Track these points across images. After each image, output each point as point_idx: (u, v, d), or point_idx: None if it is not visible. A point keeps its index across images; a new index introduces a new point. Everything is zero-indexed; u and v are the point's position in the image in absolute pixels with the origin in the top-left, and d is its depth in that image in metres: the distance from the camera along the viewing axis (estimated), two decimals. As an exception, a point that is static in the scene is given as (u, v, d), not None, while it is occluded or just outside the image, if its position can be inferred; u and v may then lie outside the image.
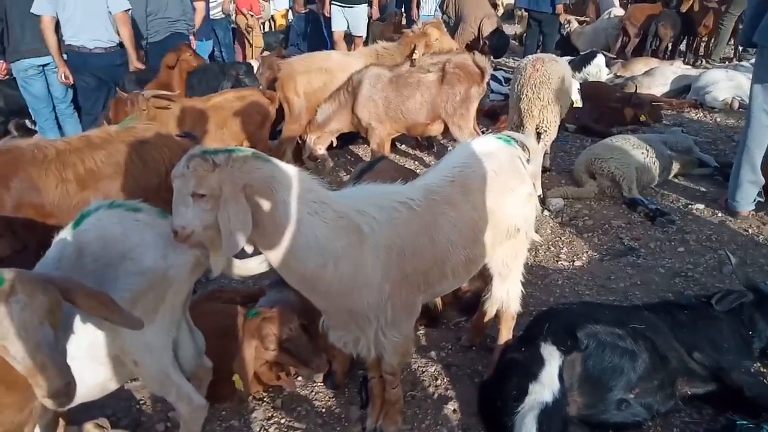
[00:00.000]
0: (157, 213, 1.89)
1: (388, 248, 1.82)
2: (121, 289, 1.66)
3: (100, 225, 1.78)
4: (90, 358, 1.64)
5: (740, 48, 9.10)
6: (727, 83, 6.67)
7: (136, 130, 2.98)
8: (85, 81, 5.09)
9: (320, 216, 1.72)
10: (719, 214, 4.10)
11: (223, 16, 7.87)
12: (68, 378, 1.43)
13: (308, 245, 1.71)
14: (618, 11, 9.98)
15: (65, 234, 1.79)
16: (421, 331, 2.93)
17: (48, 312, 1.43)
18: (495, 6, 13.88)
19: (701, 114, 6.59)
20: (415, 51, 4.78)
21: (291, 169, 1.74)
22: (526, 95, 4.14)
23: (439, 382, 2.59)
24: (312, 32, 8.55)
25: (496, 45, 7.23)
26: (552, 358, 2.17)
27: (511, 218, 2.17)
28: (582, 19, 10.59)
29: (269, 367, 2.45)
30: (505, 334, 2.53)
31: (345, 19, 7.22)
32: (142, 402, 2.53)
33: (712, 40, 8.99)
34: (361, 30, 7.40)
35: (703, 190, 4.56)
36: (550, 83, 4.11)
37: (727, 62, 8.67)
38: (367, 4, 7.42)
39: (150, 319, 1.72)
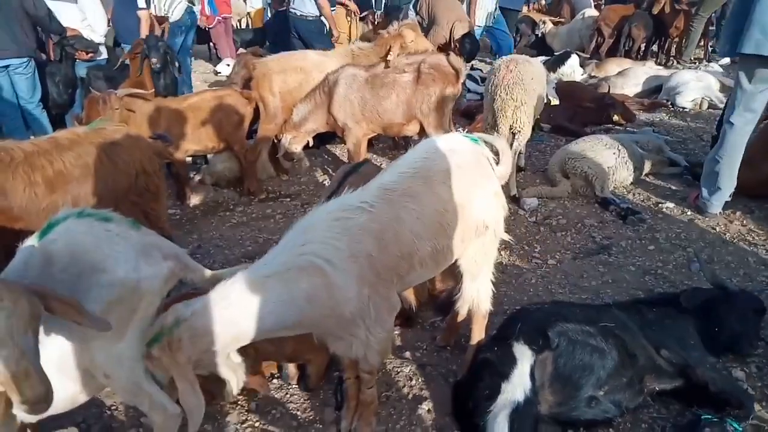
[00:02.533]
0: (129, 223, 1.86)
1: (354, 257, 1.84)
2: (91, 300, 1.63)
3: (69, 235, 1.74)
4: (59, 371, 1.61)
5: (709, 49, 9.31)
6: (696, 84, 6.83)
7: (105, 132, 2.94)
8: None
9: (265, 289, 1.78)
10: (688, 213, 4.19)
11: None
12: (48, 384, 1.43)
13: (273, 311, 1.78)
14: (592, 12, 10.14)
15: (32, 242, 1.74)
16: (397, 332, 2.94)
17: (31, 319, 1.42)
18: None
19: (672, 114, 6.73)
20: (390, 52, 4.79)
21: (206, 299, 1.78)
22: (500, 96, 4.18)
23: (413, 382, 2.60)
24: (286, 31, 8.50)
25: (467, 48, 7.29)
26: (524, 357, 2.20)
27: (478, 214, 2.18)
28: (557, 19, 10.72)
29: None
30: (478, 333, 2.55)
31: None
32: (113, 408, 2.49)
33: (683, 42, 9.18)
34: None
35: (673, 188, 4.66)
36: (523, 84, 4.15)
37: (697, 63, 8.87)
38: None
39: (121, 331, 1.70)
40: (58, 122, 5.57)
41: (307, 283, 1.79)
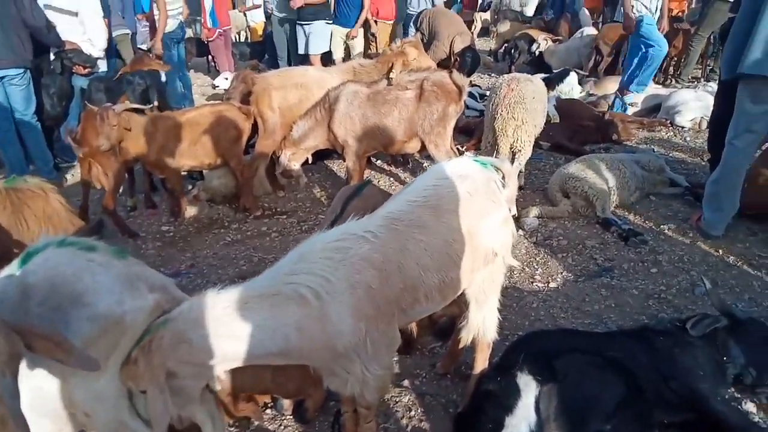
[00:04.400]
0: (113, 253, 1.76)
1: (352, 288, 1.75)
2: (71, 335, 1.52)
3: (48, 265, 1.63)
4: (33, 411, 1.49)
5: (708, 68, 9.33)
6: (696, 103, 6.81)
7: (22, 193, 2.83)
8: None
9: (250, 310, 1.69)
10: (690, 234, 4.13)
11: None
12: (27, 430, 1.32)
13: (257, 334, 1.69)
14: (590, 30, 10.15)
15: (8, 273, 1.63)
16: (395, 358, 2.85)
17: (9, 359, 1.31)
18: (472, 22, 14.09)
19: (671, 133, 6.70)
20: (393, 69, 4.75)
21: (194, 303, 1.71)
22: (501, 115, 4.14)
23: (412, 413, 2.52)
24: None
25: (468, 62, 7.30)
26: (528, 388, 2.13)
27: (488, 242, 2.12)
28: (555, 37, 10.74)
29: (234, 398, 2.35)
30: (481, 363, 2.47)
31: (305, 38, 7.28)
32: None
33: (682, 61, 9.19)
34: (320, 47, 7.35)
35: (675, 209, 4.61)
36: (524, 103, 4.12)
37: (696, 82, 8.87)
38: (328, 20, 7.34)
39: (102, 367, 1.60)
40: (49, 135, 5.49)
41: (296, 312, 1.70)
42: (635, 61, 7.05)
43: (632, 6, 6.63)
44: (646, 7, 6.67)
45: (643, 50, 6.88)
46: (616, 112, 6.96)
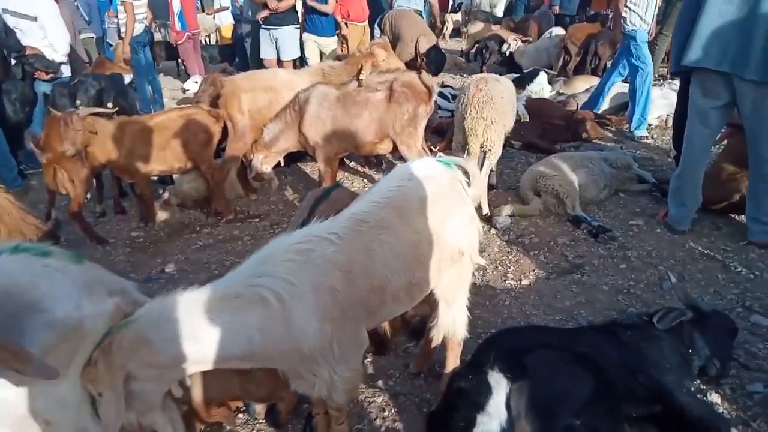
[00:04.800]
0: (69, 257, 1.72)
1: (316, 290, 1.74)
2: (27, 343, 1.48)
3: (2, 272, 1.58)
4: None
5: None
6: (661, 101, 6.97)
7: None
8: None
9: (212, 312, 1.67)
10: (658, 230, 4.22)
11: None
12: None
13: (219, 337, 1.66)
14: (559, 31, 10.32)
15: None
16: (369, 359, 2.85)
17: None
18: (443, 23, 14.18)
19: (639, 131, 6.82)
20: (362, 71, 4.75)
21: (155, 305, 1.70)
22: (470, 115, 4.16)
23: (386, 413, 2.51)
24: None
25: (434, 61, 7.36)
26: (499, 386, 2.13)
27: (454, 241, 2.13)
28: (524, 38, 10.87)
29: (205, 403, 2.31)
30: (452, 361, 2.48)
31: (273, 44, 7.23)
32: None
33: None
34: (290, 53, 7.33)
35: (642, 205, 4.70)
36: (493, 102, 4.15)
37: (662, 80, 9.06)
38: (296, 25, 7.32)
39: (63, 373, 1.55)
40: (12, 141, 5.35)
41: (259, 315, 1.68)
42: (615, 79, 7.02)
43: (625, 17, 6.24)
44: (641, 18, 6.21)
45: (624, 69, 6.70)
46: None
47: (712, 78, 3.58)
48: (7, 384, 1.53)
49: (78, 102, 4.83)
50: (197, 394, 2.23)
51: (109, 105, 4.94)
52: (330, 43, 7.49)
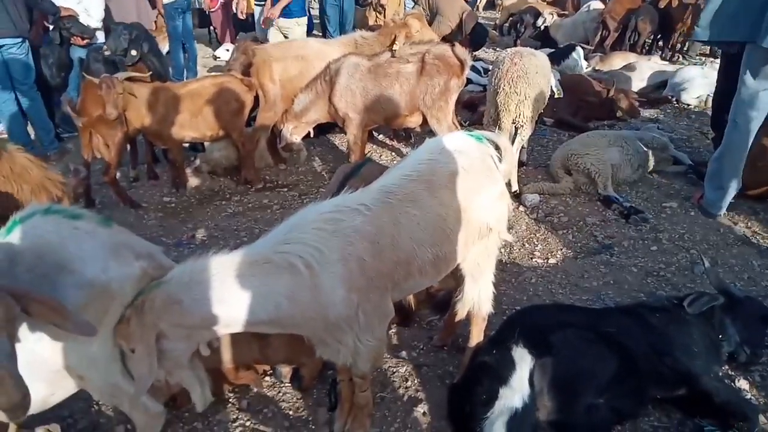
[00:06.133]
0: (99, 221, 1.77)
1: (344, 260, 1.76)
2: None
3: (35, 233, 1.64)
4: (27, 375, 1.48)
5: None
6: (702, 80, 6.74)
7: None
8: None
9: (242, 276, 1.70)
10: (692, 213, 4.12)
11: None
12: (25, 390, 1.36)
13: (247, 300, 1.70)
14: (597, 4, 9.99)
15: None
16: (393, 330, 2.88)
17: (5, 322, 1.34)
18: (477, -5, 13.86)
19: (676, 111, 6.63)
20: (396, 41, 4.69)
21: (186, 267, 1.73)
22: (503, 89, 4.09)
23: (409, 383, 2.55)
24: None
25: (477, 39, 7.20)
26: (523, 361, 2.14)
27: (482, 217, 2.11)
28: (561, 11, 10.57)
29: (234, 366, 2.38)
30: (476, 335, 2.49)
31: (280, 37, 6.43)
32: (100, 402, 2.43)
33: (690, 37, 9.05)
34: None
35: (677, 187, 4.59)
36: (527, 77, 4.06)
37: (703, 59, 8.76)
38: (305, 17, 6.61)
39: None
40: (49, 105, 5.46)
41: (287, 281, 1.71)
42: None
43: None
44: None
45: None
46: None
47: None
48: (44, 340, 1.61)
49: (105, 49, 4.75)
50: (224, 355, 2.30)
51: (133, 53, 4.83)
52: (291, 26, 6.42)
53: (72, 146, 5.63)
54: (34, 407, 1.68)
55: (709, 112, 6.21)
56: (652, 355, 2.29)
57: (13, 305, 1.36)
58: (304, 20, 6.57)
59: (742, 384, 2.48)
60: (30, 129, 5.42)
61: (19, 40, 4.89)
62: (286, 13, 6.27)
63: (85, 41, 5.53)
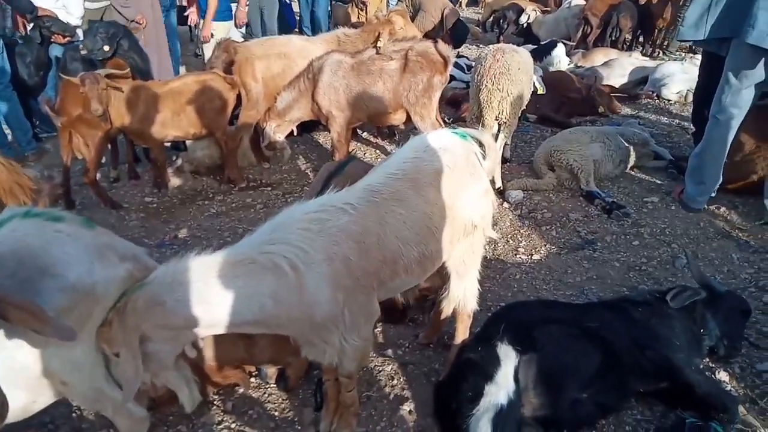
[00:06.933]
0: (81, 222, 1.74)
1: (330, 260, 1.75)
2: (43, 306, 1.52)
3: (15, 236, 1.60)
4: (7, 382, 1.46)
5: (695, 40, 9.27)
6: (682, 76, 6.82)
7: None
8: None
9: (226, 277, 1.68)
10: (673, 208, 4.17)
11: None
12: (2, 398, 1.33)
13: (231, 301, 1.68)
14: (578, 1, 10.05)
15: None
16: (378, 329, 2.88)
17: None
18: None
19: (657, 106, 6.71)
20: (380, 39, 4.67)
21: (169, 268, 1.70)
22: (486, 86, 4.10)
23: (395, 381, 2.55)
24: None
25: (457, 34, 7.23)
26: (507, 358, 2.16)
27: (467, 215, 2.12)
28: (543, 8, 10.63)
29: (219, 366, 2.37)
30: (462, 333, 2.49)
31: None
32: (82, 408, 2.40)
33: (670, 33, 9.15)
34: None
35: (658, 182, 4.64)
36: (510, 74, 4.08)
37: (683, 54, 8.85)
38: (230, 21, 6.56)
39: (77, 336, 1.58)
40: (27, 104, 5.36)
41: (272, 281, 1.69)
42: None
43: None
44: None
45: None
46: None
47: (753, 55, 3.44)
48: (25, 346, 1.57)
49: (81, 48, 4.61)
50: (209, 356, 2.28)
51: (106, 49, 4.64)
52: (220, 29, 6.29)
53: (50, 146, 5.55)
54: (16, 415, 1.65)
55: (689, 108, 6.31)
56: (635, 349, 2.32)
57: None
58: (227, 25, 6.47)
59: (723, 376, 2.51)
60: (6, 129, 5.32)
61: (-8, 38, 4.78)
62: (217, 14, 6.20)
63: (66, 39, 5.42)
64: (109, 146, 4.64)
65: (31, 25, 5.38)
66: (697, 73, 6.44)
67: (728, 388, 2.45)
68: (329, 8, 8.41)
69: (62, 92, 4.14)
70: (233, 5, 6.66)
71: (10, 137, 5.33)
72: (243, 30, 6.84)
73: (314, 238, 1.74)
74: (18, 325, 1.41)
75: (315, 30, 7.74)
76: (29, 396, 1.67)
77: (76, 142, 4.16)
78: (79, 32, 5.76)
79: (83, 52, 4.61)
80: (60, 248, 1.62)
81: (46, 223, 1.66)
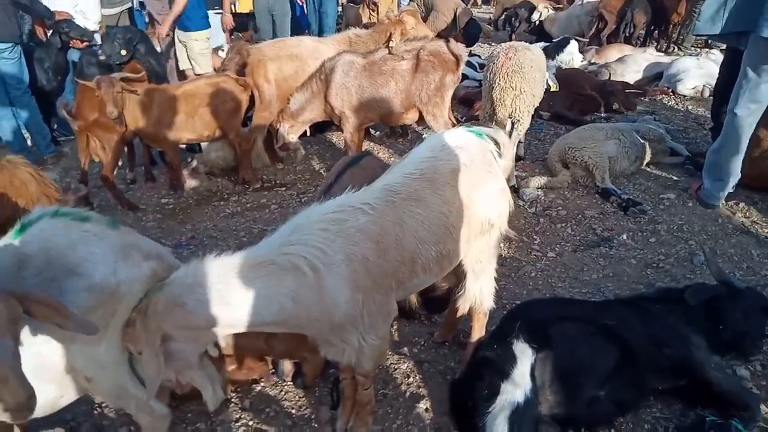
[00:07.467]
0: (107, 223, 1.77)
1: (349, 260, 1.75)
2: (67, 305, 1.55)
3: (43, 236, 1.64)
4: (36, 376, 1.49)
5: (711, 35, 9.16)
6: (697, 71, 6.74)
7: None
8: None
9: (246, 278, 1.69)
10: (690, 204, 4.13)
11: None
12: (30, 390, 1.37)
13: (251, 301, 1.69)
14: (592, -3, 9.98)
15: (3, 244, 1.65)
16: (394, 327, 2.88)
17: (9, 323, 1.36)
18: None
19: (673, 102, 6.64)
20: (392, 39, 4.68)
21: (189, 269, 1.72)
22: (499, 84, 4.08)
23: (411, 379, 2.55)
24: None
25: (470, 33, 7.22)
26: (524, 356, 2.15)
27: (484, 213, 2.12)
28: (556, 5, 10.57)
29: (239, 357, 2.38)
30: (478, 331, 2.49)
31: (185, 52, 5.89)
32: (103, 405, 2.43)
33: (685, 28, 9.05)
34: (203, 67, 5.89)
35: (675, 179, 4.59)
36: (522, 72, 4.06)
37: (698, 49, 8.75)
38: (207, 30, 5.90)
39: (100, 335, 1.62)
40: (46, 108, 5.44)
41: (292, 282, 1.71)
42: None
43: None
44: None
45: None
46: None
47: None
48: (53, 343, 1.61)
49: (100, 53, 4.73)
50: (229, 345, 2.30)
51: (126, 59, 4.79)
52: (188, 40, 5.77)
53: (68, 150, 5.63)
54: (45, 409, 1.70)
55: (705, 103, 6.24)
56: (652, 346, 2.30)
57: (16, 306, 1.38)
58: (204, 34, 5.85)
59: (743, 374, 2.48)
60: (26, 133, 5.41)
61: (10, 45, 4.85)
62: (182, 26, 5.72)
63: (84, 44, 5.50)
64: (126, 149, 4.69)
65: (51, 30, 5.46)
66: (713, 68, 6.39)
67: (749, 386, 2.42)
68: (339, 9, 8.39)
69: (79, 96, 4.20)
70: (211, 12, 6.23)
71: (29, 141, 5.41)
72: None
73: (333, 239, 1.75)
74: (42, 320, 1.46)
75: (321, 33, 7.66)
76: (57, 391, 1.72)
77: (93, 145, 4.23)
78: (96, 37, 5.84)
79: (102, 58, 4.69)
80: (86, 248, 1.65)
81: (73, 223, 1.71)
